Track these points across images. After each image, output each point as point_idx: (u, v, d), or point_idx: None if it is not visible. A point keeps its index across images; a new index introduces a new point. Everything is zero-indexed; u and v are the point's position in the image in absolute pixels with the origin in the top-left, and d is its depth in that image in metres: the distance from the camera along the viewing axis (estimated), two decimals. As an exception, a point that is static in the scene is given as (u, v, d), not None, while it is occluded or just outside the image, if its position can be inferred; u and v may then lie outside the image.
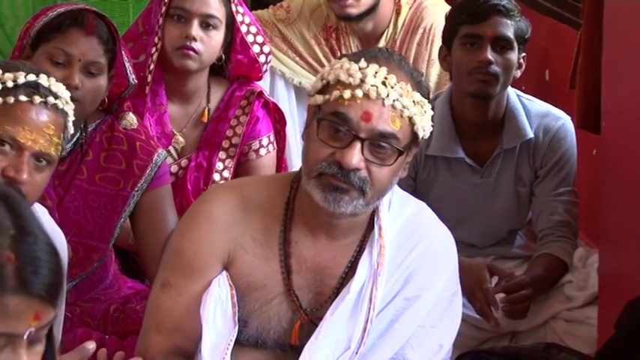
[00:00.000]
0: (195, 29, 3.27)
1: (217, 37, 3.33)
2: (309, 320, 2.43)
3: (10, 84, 2.35)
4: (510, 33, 3.21)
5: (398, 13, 4.04)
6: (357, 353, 2.37)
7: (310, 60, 4.08)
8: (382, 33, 4.05)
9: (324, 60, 4.12)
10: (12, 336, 1.53)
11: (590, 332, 3.02)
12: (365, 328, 2.37)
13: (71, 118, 2.45)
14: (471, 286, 3.07)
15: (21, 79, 2.35)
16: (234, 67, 3.45)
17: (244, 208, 2.41)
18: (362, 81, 2.28)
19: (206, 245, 2.41)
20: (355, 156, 2.27)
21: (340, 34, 4.11)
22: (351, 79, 2.28)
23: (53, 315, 1.58)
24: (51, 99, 2.38)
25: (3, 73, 2.36)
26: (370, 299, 2.38)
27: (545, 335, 3.14)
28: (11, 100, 2.34)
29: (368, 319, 2.37)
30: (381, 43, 4.04)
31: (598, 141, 3.03)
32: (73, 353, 2.22)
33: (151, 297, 2.46)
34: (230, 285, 2.40)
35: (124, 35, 3.48)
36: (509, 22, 3.20)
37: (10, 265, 1.50)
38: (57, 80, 2.46)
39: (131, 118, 3.05)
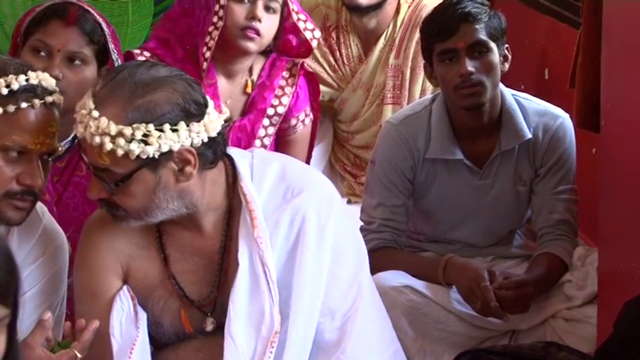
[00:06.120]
0: (260, 10, 3.34)
1: (276, 21, 3.41)
2: (196, 307, 2.49)
3: (4, 91, 2.34)
4: (483, 35, 3.17)
5: (397, 11, 4.04)
6: (276, 320, 2.39)
7: (308, 60, 4.08)
8: (382, 32, 4.05)
9: (322, 60, 4.12)
10: None
11: (590, 331, 3.02)
12: (271, 295, 2.40)
13: (61, 105, 2.46)
14: (470, 285, 3.06)
15: (15, 85, 2.34)
16: (283, 45, 3.49)
17: None
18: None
19: (97, 268, 2.48)
20: (91, 189, 2.39)
21: (340, 33, 4.11)
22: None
23: (3, 313, 1.60)
24: (49, 98, 2.39)
25: None
26: (262, 264, 2.41)
27: (545, 334, 3.13)
28: (12, 108, 2.34)
29: (269, 286, 2.40)
30: (381, 42, 4.04)
31: (597, 140, 3.03)
32: (34, 331, 2.23)
33: None
34: (132, 296, 2.48)
35: (165, 15, 3.57)
36: (478, 26, 3.16)
37: None
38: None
39: None
